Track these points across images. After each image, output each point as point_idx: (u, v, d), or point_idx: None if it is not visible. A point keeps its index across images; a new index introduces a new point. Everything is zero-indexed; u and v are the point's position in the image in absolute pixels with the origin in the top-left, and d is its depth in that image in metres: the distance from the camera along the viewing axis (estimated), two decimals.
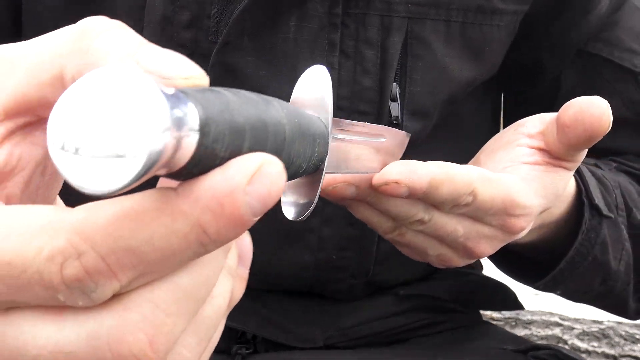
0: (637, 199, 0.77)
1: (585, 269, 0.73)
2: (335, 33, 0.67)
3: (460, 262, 0.62)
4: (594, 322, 1.13)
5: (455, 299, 0.83)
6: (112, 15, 0.67)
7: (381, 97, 0.68)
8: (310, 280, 0.74)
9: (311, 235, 0.71)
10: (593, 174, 0.73)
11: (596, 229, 0.72)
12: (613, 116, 0.80)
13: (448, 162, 0.55)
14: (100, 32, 0.31)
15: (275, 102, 0.34)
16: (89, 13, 0.68)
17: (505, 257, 0.78)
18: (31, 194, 0.34)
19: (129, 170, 0.26)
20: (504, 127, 0.82)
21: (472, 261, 0.63)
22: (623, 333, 1.13)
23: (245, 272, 0.37)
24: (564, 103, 0.80)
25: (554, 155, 0.60)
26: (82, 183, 0.26)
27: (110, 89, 0.26)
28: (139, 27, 0.67)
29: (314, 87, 0.44)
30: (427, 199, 0.55)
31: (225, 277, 0.34)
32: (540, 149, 0.61)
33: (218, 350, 0.75)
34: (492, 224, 0.58)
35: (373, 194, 0.55)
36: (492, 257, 0.75)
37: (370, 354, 0.77)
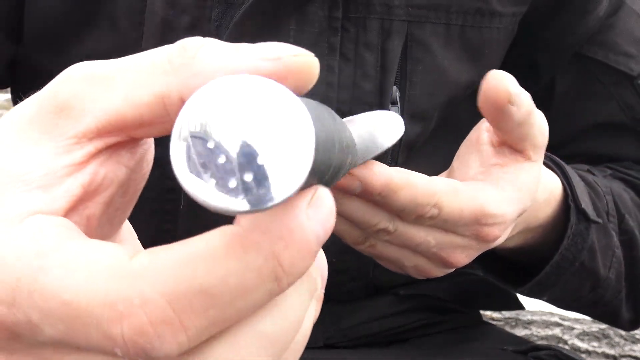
0: (630, 206, 0.76)
1: (571, 275, 0.71)
2: (335, 37, 0.67)
3: (438, 272, 0.61)
4: (594, 322, 1.13)
5: (455, 299, 0.83)
6: (112, 19, 0.68)
7: (381, 101, 0.69)
8: None
9: None
10: (583, 178, 0.72)
11: (583, 234, 0.70)
12: (610, 121, 0.80)
13: (415, 172, 0.54)
14: (200, 45, 0.30)
15: (338, 119, 0.33)
16: (89, 17, 0.69)
17: (490, 261, 0.75)
18: (110, 216, 0.32)
19: (288, 184, 0.25)
20: None
21: (451, 270, 0.62)
22: (623, 333, 1.13)
23: (322, 293, 0.35)
24: (560, 107, 0.81)
25: (511, 146, 0.59)
26: (226, 203, 0.25)
27: (248, 100, 0.25)
28: (138, 31, 0.67)
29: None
30: (386, 204, 0.54)
31: (313, 305, 0.33)
32: (501, 143, 0.59)
33: None
34: (464, 234, 0.57)
35: (335, 194, 0.51)
36: (476, 262, 0.75)
37: (370, 354, 0.77)
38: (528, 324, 1.10)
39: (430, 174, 0.75)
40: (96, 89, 0.29)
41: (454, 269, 0.61)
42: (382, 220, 0.56)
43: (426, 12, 0.69)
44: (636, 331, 1.11)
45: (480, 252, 0.60)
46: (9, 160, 0.29)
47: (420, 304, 0.81)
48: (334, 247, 0.71)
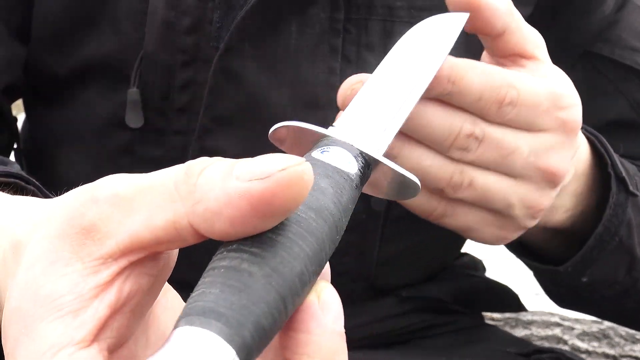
0: None
1: (611, 252, 0.68)
2: (337, 38, 0.67)
3: (545, 197, 0.57)
4: (594, 322, 1.12)
5: (457, 301, 0.83)
6: (114, 20, 0.68)
7: None
8: None
9: None
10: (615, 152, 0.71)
11: (623, 206, 0.68)
12: (619, 119, 0.79)
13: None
14: (200, 170, 0.32)
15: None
16: (92, 18, 0.69)
17: (525, 248, 0.74)
18: (140, 313, 0.34)
19: None
20: None
21: (556, 190, 0.58)
22: (623, 333, 1.13)
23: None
24: None
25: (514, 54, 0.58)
26: None
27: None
28: (140, 32, 0.67)
29: None
30: (462, 94, 0.51)
31: None
32: (503, 57, 0.58)
33: None
34: (550, 127, 0.55)
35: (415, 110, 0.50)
36: (512, 247, 0.71)
37: (372, 356, 0.77)
38: (528, 324, 1.10)
39: None
40: (119, 212, 0.32)
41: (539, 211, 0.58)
42: (464, 123, 0.53)
43: (429, 13, 0.68)
44: (636, 331, 1.11)
45: (573, 150, 0.58)
46: (44, 282, 0.31)
47: (422, 305, 0.80)
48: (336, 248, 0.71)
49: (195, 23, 0.66)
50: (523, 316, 1.11)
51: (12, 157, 0.79)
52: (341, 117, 0.46)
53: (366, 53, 0.68)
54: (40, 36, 0.71)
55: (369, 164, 0.41)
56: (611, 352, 1.12)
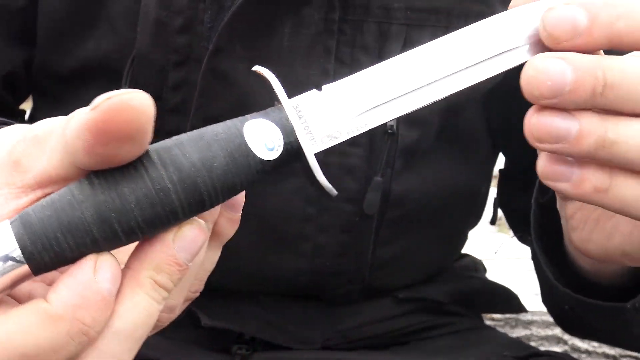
0: None
1: None
2: (332, 39, 0.66)
3: None
4: None
5: (456, 302, 0.82)
6: (111, 21, 0.68)
7: None
8: (306, 285, 0.74)
9: (306, 242, 0.71)
10: None
11: None
12: None
13: None
14: (69, 118, 0.37)
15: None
16: (90, 19, 0.68)
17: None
18: None
19: None
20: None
21: None
22: None
23: (235, 216, 0.45)
24: None
25: None
26: None
27: None
28: (134, 32, 0.67)
29: None
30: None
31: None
32: None
33: (217, 350, 0.75)
34: None
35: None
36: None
37: (369, 356, 0.77)
38: (528, 324, 1.09)
39: (433, 185, 0.74)
40: (37, 150, 0.38)
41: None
42: None
43: (426, 15, 0.67)
44: None
45: None
46: None
47: (420, 306, 0.80)
48: (330, 250, 0.71)
49: (187, 23, 0.66)
50: (523, 316, 1.11)
51: None
52: (333, 85, 0.44)
53: (361, 55, 0.67)
54: (45, 36, 0.72)
55: (298, 153, 0.41)
56: (611, 352, 1.12)
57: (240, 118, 0.41)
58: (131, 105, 0.35)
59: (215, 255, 0.47)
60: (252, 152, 0.40)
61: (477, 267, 0.90)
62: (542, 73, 0.40)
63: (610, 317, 0.60)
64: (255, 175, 0.40)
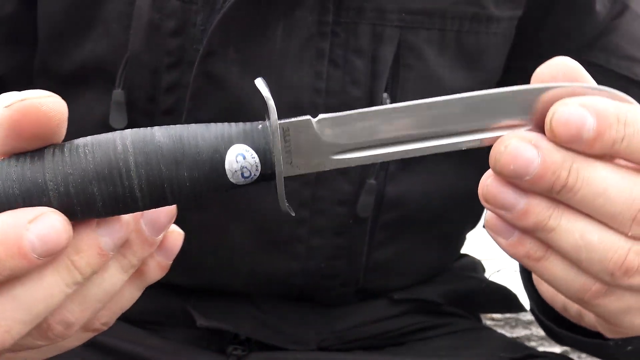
0: None
1: None
2: (325, 42, 0.66)
3: None
4: None
5: (454, 302, 0.82)
6: (106, 23, 0.68)
7: None
8: (300, 287, 0.74)
9: (300, 245, 0.71)
10: None
11: None
12: None
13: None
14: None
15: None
16: (86, 21, 0.69)
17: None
18: None
19: None
20: None
21: None
22: None
23: (164, 262, 0.48)
24: None
25: None
26: None
27: None
28: (128, 34, 0.67)
29: None
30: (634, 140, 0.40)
31: (118, 269, 0.44)
32: None
33: (213, 350, 0.75)
34: None
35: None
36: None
37: (365, 357, 0.77)
38: (528, 324, 1.09)
39: (430, 188, 0.74)
40: None
41: None
42: None
43: (421, 17, 0.67)
44: None
45: None
46: None
47: (415, 307, 0.80)
48: (323, 252, 0.71)
49: (179, 25, 0.65)
50: (523, 316, 1.11)
51: None
52: (329, 116, 0.44)
53: (354, 57, 0.67)
54: (45, 38, 0.72)
55: (271, 176, 0.42)
56: None
57: (226, 139, 0.41)
58: (41, 109, 0.38)
59: (133, 294, 0.47)
60: (227, 179, 0.41)
61: (475, 267, 0.90)
62: (511, 155, 0.40)
63: (594, 351, 0.59)
64: (222, 193, 0.42)
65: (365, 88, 0.67)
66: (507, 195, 0.41)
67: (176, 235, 0.49)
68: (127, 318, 0.76)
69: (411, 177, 0.72)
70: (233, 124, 0.42)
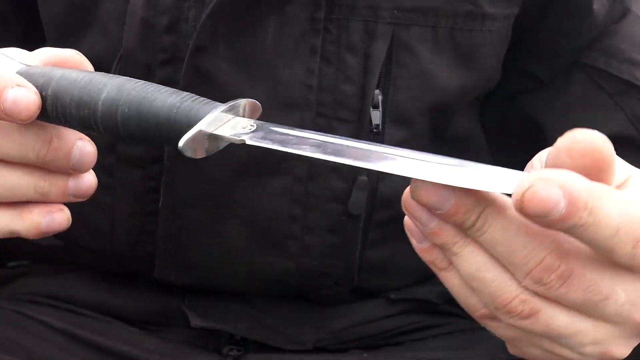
0: None
1: None
2: (317, 38, 0.66)
3: (623, 349, 0.45)
4: None
5: (451, 302, 0.82)
6: (103, 22, 0.69)
7: (363, 105, 0.67)
8: (295, 286, 0.74)
9: (293, 242, 0.70)
10: None
11: None
12: (618, 135, 0.75)
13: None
14: None
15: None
16: (85, 21, 0.70)
17: None
18: None
19: None
20: None
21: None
22: None
23: (71, 197, 0.53)
24: (563, 119, 0.77)
25: None
26: None
27: None
28: (122, 31, 0.67)
29: None
30: (595, 227, 0.39)
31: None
32: None
33: (210, 350, 0.75)
34: None
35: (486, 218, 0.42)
36: None
37: (362, 358, 0.76)
38: None
39: None
40: None
41: None
42: (549, 255, 0.41)
43: (413, 14, 0.67)
44: None
45: None
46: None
47: (412, 307, 0.79)
48: (317, 250, 0.71)
49: (172, 22, 0.66)
50: None
51: None
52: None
53: (346, 54, 0.67)
54: (49, 37, 0.74)
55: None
56: None
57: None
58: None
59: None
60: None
61: None
62: (427, 188, 0.43)
63: None
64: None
65: (357, 85, 0.67)
66: (423, 213, 0.44)
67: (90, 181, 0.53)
68: (125, 318, 0.76)
69: (406, 178, 0.72)
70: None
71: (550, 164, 0.41)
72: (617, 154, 0.76)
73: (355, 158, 0.43)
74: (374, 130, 0.68)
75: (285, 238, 0.70)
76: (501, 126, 0.81)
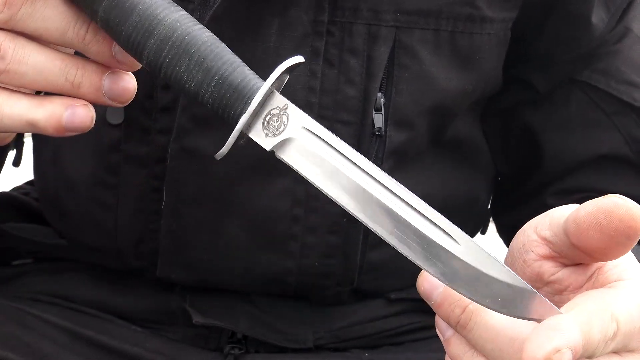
0: None
1: None
2: (320, 41, 0.66)
3: None
4: None
5: None
6: None
7: (365, 107, 0.68)
8: (295, 286, 0.74)
9: (294, 242, 0.71)
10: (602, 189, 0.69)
11: None
12: (613, 154, 0.76)
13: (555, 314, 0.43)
14: None
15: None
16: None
17: None
18: None
19: None
20: None
21: None
22: None
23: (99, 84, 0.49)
24: (558, 135, 0.78)
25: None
26: None
27: None
28: None
29: None
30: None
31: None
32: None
33: (211, 349, 0.76)
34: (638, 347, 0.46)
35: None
36: None
37: (364, 357, 0.77)
38: None
39: (426, 189, 0.73)
40: None
41: None
42: None
43: (415, 18, 0.67)
44: None
45: None
46: None
47: (412, 307, 0.79)
48: (318, 250, 0.71)
49: None
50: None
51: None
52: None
53: (349, 57, 0.67)
54: None
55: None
56: None
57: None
58: None
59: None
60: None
61: None
62: (424, 277, 0.48)
63: None
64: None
65: (359, 87, 0.67)
66: (440, 322, 0.50)
67: (127, 84, 0.50)
68: (127, 316, 0.77)
69: (406, 178, 0.72)
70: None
71: (584, 219, 0.43)
72: (612, 173, 0.76)
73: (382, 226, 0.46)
74: (377, 133, 0.68)
75: (286, 238, 0.70)
76: (501, 136, 0.82)
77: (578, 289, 0.47)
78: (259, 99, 0.47)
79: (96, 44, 0.48)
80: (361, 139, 0.68)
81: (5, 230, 0.80)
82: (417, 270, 0.79)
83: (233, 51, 0.66)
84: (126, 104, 0.50)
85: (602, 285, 0.46)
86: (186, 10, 0.65)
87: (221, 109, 0.47)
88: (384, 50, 0.67)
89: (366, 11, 0.66)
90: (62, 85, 0.48)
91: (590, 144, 0.77)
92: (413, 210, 0.45)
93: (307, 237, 0.71)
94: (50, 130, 0.48)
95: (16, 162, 0.83)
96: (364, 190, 0.46)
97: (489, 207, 0.87)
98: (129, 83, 0.50)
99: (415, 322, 0.79)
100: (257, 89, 0.47)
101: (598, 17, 0.73)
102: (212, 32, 0.65)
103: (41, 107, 0.48)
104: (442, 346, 0.80)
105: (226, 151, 0.47)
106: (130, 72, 0.49)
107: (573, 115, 0.77)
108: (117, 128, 0.70)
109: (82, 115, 0.48)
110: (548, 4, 0.73)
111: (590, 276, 0.47)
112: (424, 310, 0.80)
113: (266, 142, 0.47)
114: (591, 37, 0.74)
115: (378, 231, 0.45)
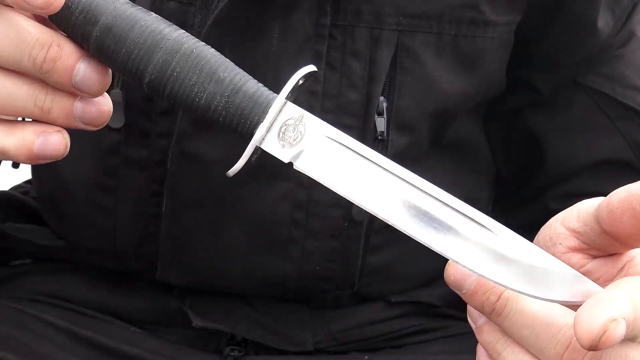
0: None
1: None
2: (322, 44, 0.66)
3: None
4: None
5: (452, 305, 0.82)
6: None
7: (367, 111, 0.67)
8: (295, 289, 0.74)
9: (295, 247, 0.71)
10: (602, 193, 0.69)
11: None
12: (615, 159, 0.76)
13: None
14: None
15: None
16: None
17: None
18: None
19: None
20: None
21: None
22: None
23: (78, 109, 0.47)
24: (561, 139, 0.78)
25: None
26: None
27: None
28: None
29: None
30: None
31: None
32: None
33: (210, 351, 0.76)
34: None
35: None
36: None
37: (361, 358, 0.77)
38: None
39: None
40: None
41: None
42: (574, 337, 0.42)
43: (418, 21, 0.67)
44: None
45: None
46: None
47: (412, 310, 0.79)
48: (318, 254, 0.71)
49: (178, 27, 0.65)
50: None
51: None
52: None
53: (351, 60, 0.67)
54: None
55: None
56: None
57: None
58: None
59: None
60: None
61: None
62: (454, 266, 0.46)
63: None
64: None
65: (362, 91, 0.67)
66: (473, 311, 0.48)
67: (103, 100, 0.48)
68: (126, 318, 0.77)
69: None
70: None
71: (618, 205, 0.44)
72: (614, 177, 0.76)
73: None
74: (379, 137, 0.68)
75: (286, 242, 0.70)
76: (504, 138, 0.82)
77: (609, 281, 0.46)
78: (278, 107, 0.46)
79: (55, 73, 0.45)
80: (363, 142, 0.68)
81: (4, 231, 0.79)
82: (418, 273, 0.79)
83: (234, 55, 0.65)
84: (100, 128, 0.48)
85: None
86: (187, 14, 0.66)
87: (235, 120, 0.46)
88: (386, 54, 0.67)
89: (368, 14, 0.66)
90: (32, 110, 0.46)
91: (593, 148, 0.77)
92: (446, 206, 0.46)
93: (308, 241, 0.70)
94: (21, 159, 0.46)
95: (15, 164, 0.83)
96: (400, 196, 0.46)
97: (489, 209, 0.87)
98: (104, 105, 0.47)
99: (416, 325, 0.79)
100: (274, 98, 0.46)
101: (603, 21, 0.73)
102: (213, 36, 0.64)
103: (11, 135, 0.46)
104: (442, 349, 0.81)
105: (241, 166, 0.46)
106: (105, 94, 0.47)
107: (576, 118, 0.77)
108: (116, 131, 0.69)
109: (55, 142, 0.46)
110: (553, 7, 0.73)
111: (622, 268, 0.46)
112: (424, 313, 0.80)
113: (283, 154, 0.46)
114: (596, 41, 0.74)
115: (412, 233, 0.45)
